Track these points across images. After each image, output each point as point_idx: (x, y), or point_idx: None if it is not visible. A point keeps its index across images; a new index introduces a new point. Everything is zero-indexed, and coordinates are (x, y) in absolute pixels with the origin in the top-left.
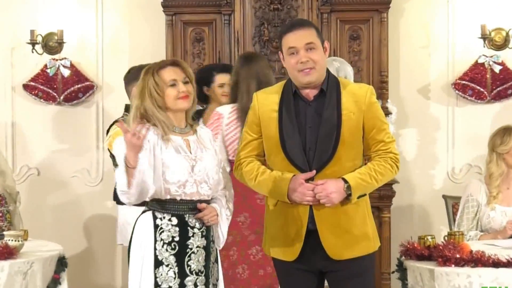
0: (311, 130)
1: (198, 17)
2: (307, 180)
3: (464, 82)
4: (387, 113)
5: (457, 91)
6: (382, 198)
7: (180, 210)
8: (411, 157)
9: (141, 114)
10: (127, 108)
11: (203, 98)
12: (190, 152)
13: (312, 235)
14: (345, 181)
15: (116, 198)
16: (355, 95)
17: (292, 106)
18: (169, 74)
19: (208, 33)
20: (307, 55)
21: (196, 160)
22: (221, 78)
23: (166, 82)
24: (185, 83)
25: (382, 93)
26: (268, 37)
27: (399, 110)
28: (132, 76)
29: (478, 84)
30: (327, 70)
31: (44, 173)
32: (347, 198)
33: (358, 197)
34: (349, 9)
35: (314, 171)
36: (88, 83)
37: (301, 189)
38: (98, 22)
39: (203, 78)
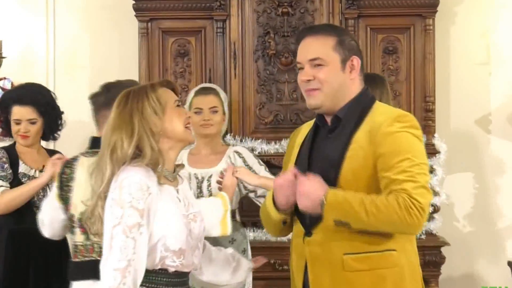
0: (319, 169)
1: (182, 24)
2: None
3: None
4: (434, 152)
5: None
6: (428, 265)
7: (170, 284)
8: (466, 211)
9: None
10: (95, 143)
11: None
12: (185, 209)
13: None
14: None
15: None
16: (373, 123)
17: (310, 137)
18: (168, 94)
19: (195, 45)
20: (310, 72)
21: (191, 220)
22: (19, 112)
23: (170, 102)
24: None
25: (427, 125)
26: (275, 50)
27: (449, 148)
28: (104, 99)
29: None
30: (364, 93)
31: None
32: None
33: (338, 224)
34: (383, 14)
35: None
36: None
37: (280, 180)
38: (48, 30)
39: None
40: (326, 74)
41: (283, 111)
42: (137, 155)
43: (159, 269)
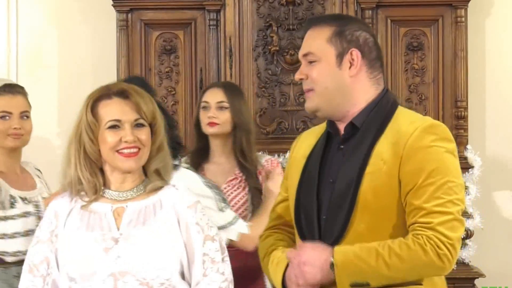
0: (331, 187)
1: (169, 16)
2: None
3: None
4: (467, 166)
5: None
6: None
7: None
8: (505, 237)
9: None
10: None
11: None
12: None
13: None
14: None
15: None
16: (397, 134)
17: (321, 149)
18: (111, 109)
19: (184, 41)
20: (304, 71)
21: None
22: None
23: (103, 122)
24: (137, 126)
25: (458, 135)
26: (278, 46)
27: (485, 163)
28: None
29: None
30: (385, 96)
31: None
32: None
33: (357, 286)
34: (406, 3)
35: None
36: None
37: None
38: (10, 23)
39: None
40: (318, 71)
41: (288, 118)
42: None
43: None
